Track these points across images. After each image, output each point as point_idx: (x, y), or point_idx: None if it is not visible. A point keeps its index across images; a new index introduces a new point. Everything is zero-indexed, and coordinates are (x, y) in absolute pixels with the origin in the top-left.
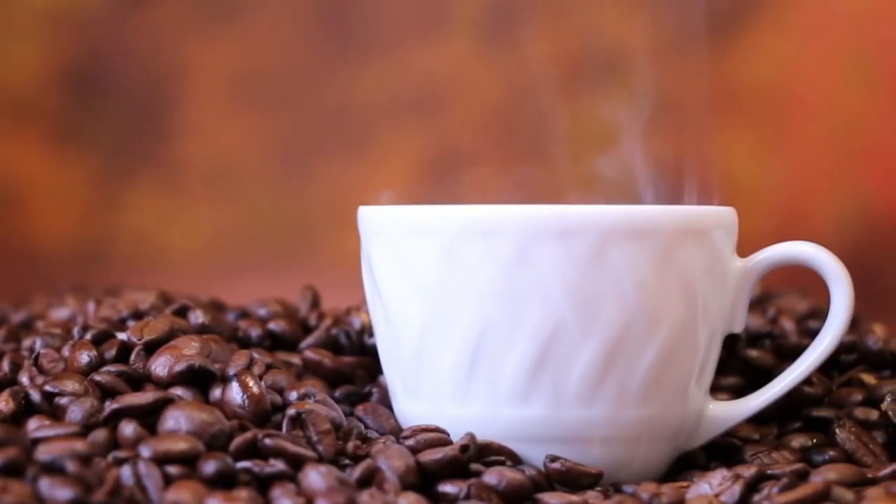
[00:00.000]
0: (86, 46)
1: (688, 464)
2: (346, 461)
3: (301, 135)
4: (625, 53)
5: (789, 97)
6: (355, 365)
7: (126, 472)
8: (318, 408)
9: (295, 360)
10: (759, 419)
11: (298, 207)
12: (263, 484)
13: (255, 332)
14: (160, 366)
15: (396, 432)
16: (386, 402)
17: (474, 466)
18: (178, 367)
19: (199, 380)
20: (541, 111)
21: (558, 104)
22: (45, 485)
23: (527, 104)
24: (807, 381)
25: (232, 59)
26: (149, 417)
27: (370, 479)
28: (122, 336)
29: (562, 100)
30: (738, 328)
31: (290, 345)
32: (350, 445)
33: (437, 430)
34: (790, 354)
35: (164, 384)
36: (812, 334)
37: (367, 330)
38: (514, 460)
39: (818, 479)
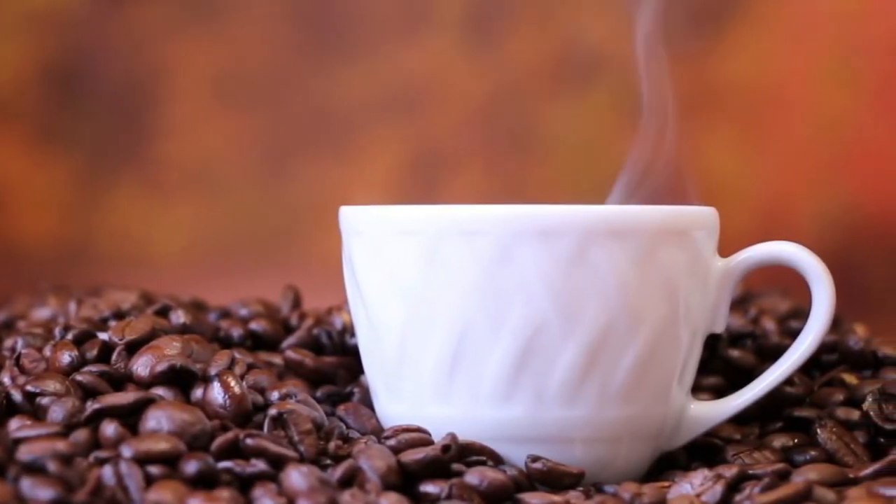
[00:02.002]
0: (67, 46)
1: (669, 464)
2: (328, 461)
3: (283, 134)
4: (606, 53)
5: (772, 97)
6: (337, 365)
7: (107, 472)
8: (300, 408)
9: (276, 360)
10: (741, 419)
11: (280, 207)
12: (245, 484)
13: (236, 332)
14: (142, 366)
15: (378, 432)
16: (367, 402)
17: (456, 466)
18: (160, 367)
19: (181, 380)
20: (522, 111)
21: (540, 104)
22: (27, 485)
23: (509, 104)
24: (788, 381)
25: (214, 58)
26: (130, 417)
27: (352, 479)
28: (103, 336)
29: (543, 99)
30: (719, 328)
31: (271, 345)
32: (331, 445)
33: (419, 430)
34: (772, 354)
35: (145, 384)
36: (793, 334)
37: (349, 330)
38: (496, 460)
39: (799, 479)
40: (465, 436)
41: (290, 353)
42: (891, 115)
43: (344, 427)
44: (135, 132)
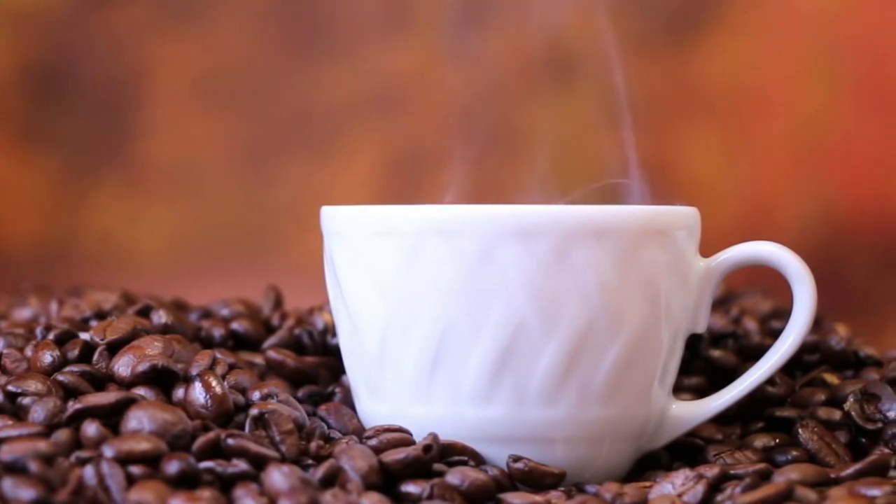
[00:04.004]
0: (49, 46)
1: (651, 464)
2: (309, 461)
3: (264, 134)
4: (588, 54)
5: (752, 97)
6: (318, 365)
7: (89, 472)
8: (281, 408)
9: (258, 360)
10: (722, 419)
11: (262, 207)
12: (226, 484)
13: (217, 332)
14: (123, 366)
15: (359, 432)
16: (349, 402)
17: (437, 466)
18: (141, 367)
19: (162, 380)
20: (503, 111)
21: (520, 104)
22: (8, 485)
23: (490, 104)
24: (770, 381)
25: (195, 58)
26: (112, 417)
27: (333, 479)
28: (84, 336)
29: (524, 99)
30: (700, 328)
31: (252, 345)
32: (313, 445)
33: (400, 430)
34: (753, 354)
35: (126, 384)
36: (775, 334)
37: (330, 330)
38: (477, 460)
39: (781, 479)
40: (446, 436)
41: (272, 353)
42: (871, 115)
43: (325, 427)
44: (117, 132)
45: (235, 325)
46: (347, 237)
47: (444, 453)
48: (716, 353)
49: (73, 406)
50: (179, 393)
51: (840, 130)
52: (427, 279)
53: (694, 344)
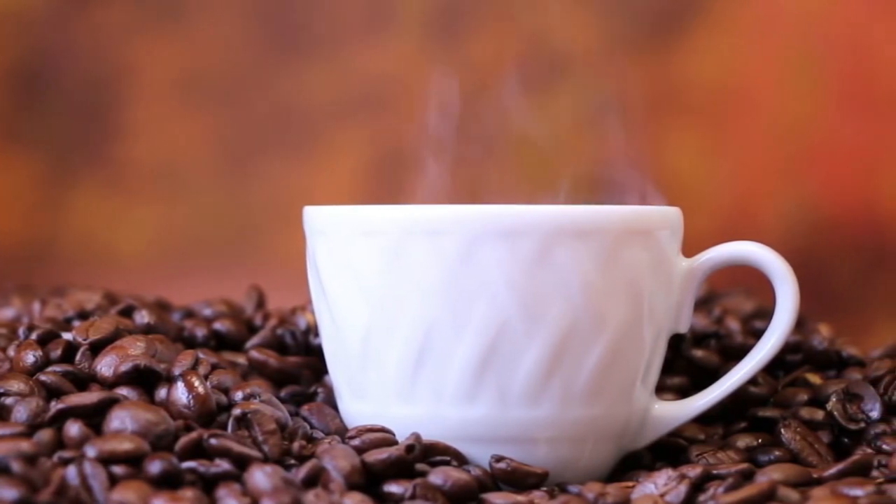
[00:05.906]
0: (30, 46)
1: (633, 464)
2: (292, 461)
3: (247, 134)
4: (571, 53)
5: (735, 97)
6: (301, 365)
7: (71, 472)
8: (264, 408)
9: (240, 360)
10: (705, 419)
11: (244, 207)
12: (209, 484)
13: (200, 332)
14: (105, 366)
15: (342, 432)
16: (331, 402)
17: (420, 466)
18: (124, 367)
19: (145, 380)
20: (487, 111)
21: (504, 104)
22: None
23: (473, 104)
24: (752, 381)
25: (177, 58)
26: (94, 417)
27: (315, 479)
28: (67, 336)
29: (508, 100)
30: (683, 328)
31: (235, 345)
32: (295, 445)
33: (383, 430)
34: (736, 354)
35: (109, 384)
36: (757, 334)
37: (313, 330)
38: (460, 460)
39: (763, 478)
40: (428, 436)
41: (254, 353)
42: (853, 115)
43: (308, 427)
44: (98, 132)
45: (218, 325)
46: (330, 237)
47: (427, 453)
48: (698, 353)
49: (55, 406)
50: (162, 393)
51: (823, 130)
52: (410, 279)
53: (676, 344)
